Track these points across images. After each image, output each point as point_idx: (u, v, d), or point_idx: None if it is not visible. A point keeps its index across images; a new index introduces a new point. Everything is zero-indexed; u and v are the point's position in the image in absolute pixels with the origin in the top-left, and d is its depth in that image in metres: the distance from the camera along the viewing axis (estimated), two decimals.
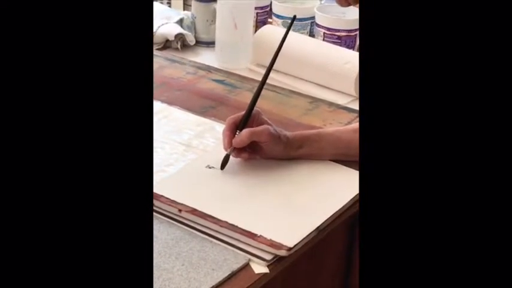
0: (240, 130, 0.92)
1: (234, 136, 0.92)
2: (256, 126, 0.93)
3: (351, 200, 0.88)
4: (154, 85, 1.18)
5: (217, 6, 1.34)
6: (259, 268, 0.77)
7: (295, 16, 1.01)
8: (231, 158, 0.93)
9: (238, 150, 0.93)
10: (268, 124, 0.94)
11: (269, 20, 1.49)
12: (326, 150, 0.96)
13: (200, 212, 0.83)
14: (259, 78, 1.26)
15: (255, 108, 0.94)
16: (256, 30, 1.39)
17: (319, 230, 0.83)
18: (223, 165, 0.93)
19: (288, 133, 0.96)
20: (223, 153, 0.93)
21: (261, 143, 0.93)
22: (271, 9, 1.48)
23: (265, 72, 0.96)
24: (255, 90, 0.96)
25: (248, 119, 0.93)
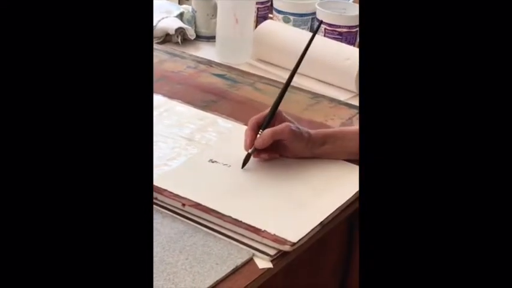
0: (263, 130, 0.91)
1: (256, 136, 0.91)
2: (278, 124, 0.92)
3: (354, 195, 0.88)
4: (154, 79, 1.18)
5: (218, 0, 1.34)
6: (263, 263, 0.77)
7: (321, 21, 1.00)
8: (232, 152, 0.93)
9: (258, 151, 0.92)
10: (290, 122, 0.93)
11: (270, 15, 1.49)
12: (349, 149, 0.95)
13: (204, 206, 0.83)
14: (260, 73, 1.28)
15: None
16: (256, 26, 1.39)
17: (322, 225, 0.83)
18: (244, 164, 0.92)
19: (311, 130, 0.95)
20: (226, 147, 0.93)
21: (283, 141, 0.92)
22: (272, 4, 1.48)
23: (291, 73, 0.96)
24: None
25: (272, 118, 0.92)
